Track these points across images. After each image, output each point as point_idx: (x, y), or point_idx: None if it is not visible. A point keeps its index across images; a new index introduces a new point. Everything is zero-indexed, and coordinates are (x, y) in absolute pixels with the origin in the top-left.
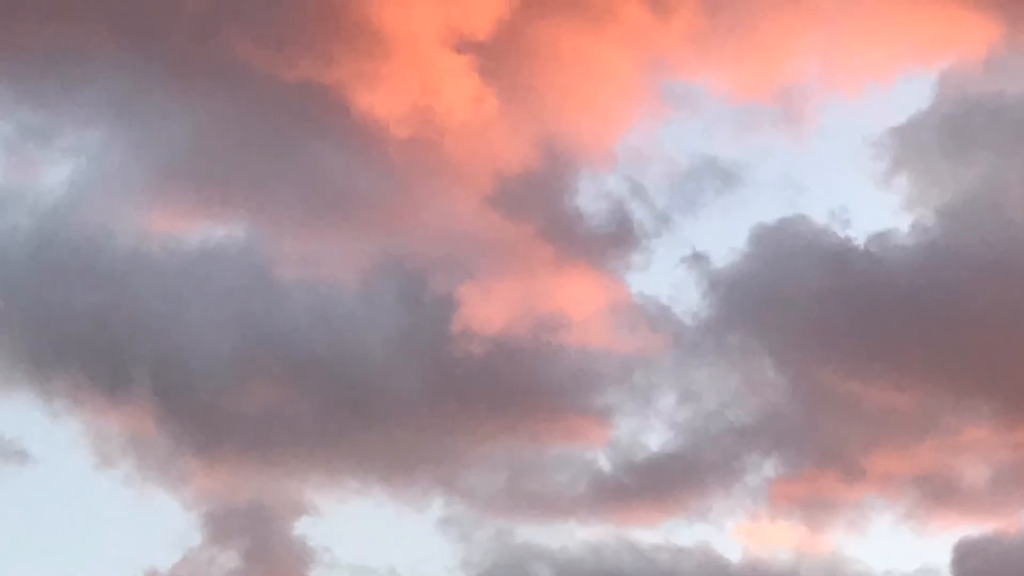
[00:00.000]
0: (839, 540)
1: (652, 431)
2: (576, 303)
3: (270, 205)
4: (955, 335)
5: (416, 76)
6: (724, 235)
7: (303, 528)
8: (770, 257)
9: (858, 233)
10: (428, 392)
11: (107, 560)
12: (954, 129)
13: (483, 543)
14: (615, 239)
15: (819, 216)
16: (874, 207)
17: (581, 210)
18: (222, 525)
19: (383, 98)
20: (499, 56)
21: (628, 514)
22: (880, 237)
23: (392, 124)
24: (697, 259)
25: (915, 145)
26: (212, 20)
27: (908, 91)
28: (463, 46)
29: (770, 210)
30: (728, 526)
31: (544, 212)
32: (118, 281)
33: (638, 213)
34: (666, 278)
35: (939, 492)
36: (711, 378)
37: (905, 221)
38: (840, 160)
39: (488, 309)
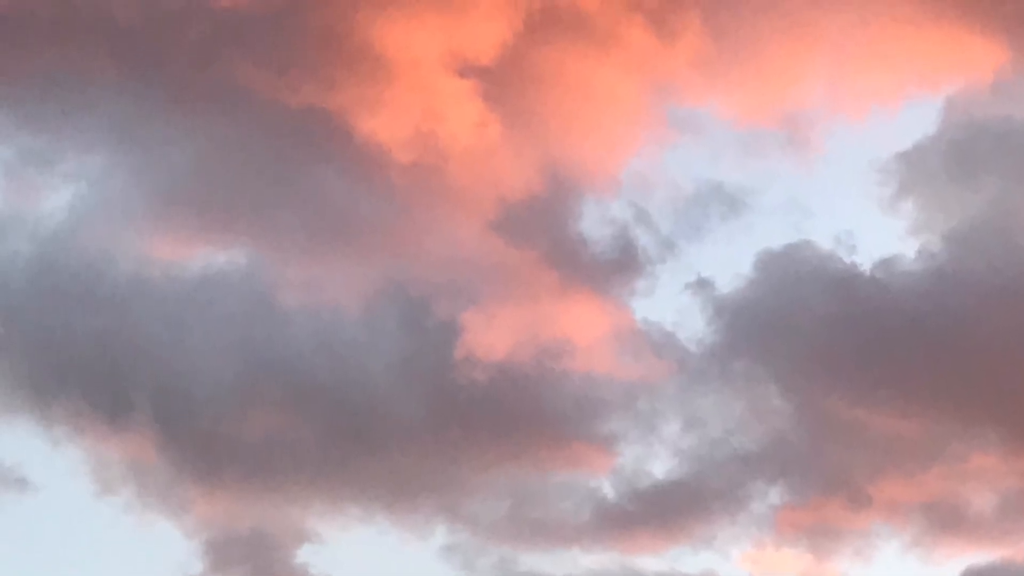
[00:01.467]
0: (845, 568)
1: (656, 458)
2: (580, 329)
3: (272, 231)
4: (962, 361)
5: (419, 101)
6: (729, 261)
7: (305, 556)
8: (776, 283)
9: (864, 259)
10: (431, 419)
11: None
12: (960, 154)
13: (486, 571)
14: (619, 265)
15: (825, 241)
16: (880, 232)
17: (585, 236)
18: (223, 553)
19: (386, 123)
20: (503, 81)
21: (632, 542)
22: (886, 263)
23: (395, 149)
24: (702, 285)
25: (921, 170)
26: (213, 45)
27: (914, 116)
28: (466, 71)
29: (776, 235)
30: (733, 554)
31: (548, 238)
32: (119, 307)
33: (643, 239)
34: (671, 304)
35: (946, 520)
36: (716, 405)
37: (911, 246)
38: (846, 185)
39: (491, 335)
